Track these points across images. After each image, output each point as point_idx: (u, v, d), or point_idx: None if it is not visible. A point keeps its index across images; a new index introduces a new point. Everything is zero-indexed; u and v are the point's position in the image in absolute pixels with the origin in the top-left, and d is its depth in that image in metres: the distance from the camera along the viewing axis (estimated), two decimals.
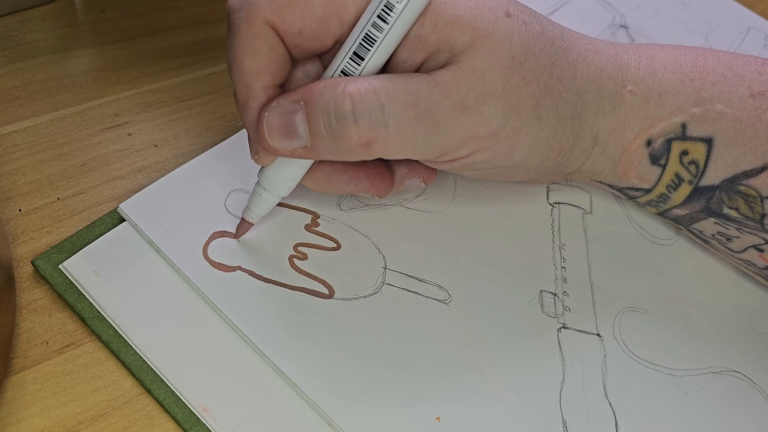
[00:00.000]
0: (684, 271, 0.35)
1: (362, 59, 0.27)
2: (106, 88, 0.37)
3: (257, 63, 0.27)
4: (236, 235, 0.32)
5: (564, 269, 0.34)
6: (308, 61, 0.29)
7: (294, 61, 0.28)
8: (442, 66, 0.27)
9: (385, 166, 0.31)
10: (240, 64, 0.27)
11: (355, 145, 0.26)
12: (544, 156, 0.30)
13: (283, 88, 0.28)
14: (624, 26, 0.47)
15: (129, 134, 0.36)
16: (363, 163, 0.30)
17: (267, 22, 0.26)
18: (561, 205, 0.37)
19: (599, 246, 0.35)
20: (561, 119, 0.29)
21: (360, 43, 0.26)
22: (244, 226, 0.32)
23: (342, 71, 0.27)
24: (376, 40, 0.26)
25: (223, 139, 0.35)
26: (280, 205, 0.33)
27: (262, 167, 0.30)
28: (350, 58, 0.27)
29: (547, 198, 0.37)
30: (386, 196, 0.32)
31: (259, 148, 0.28)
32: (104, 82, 0.38)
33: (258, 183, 0.30)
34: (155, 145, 0.36)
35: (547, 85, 0.28)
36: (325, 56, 0.29)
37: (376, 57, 0.27)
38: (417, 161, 0.31)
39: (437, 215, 0.35)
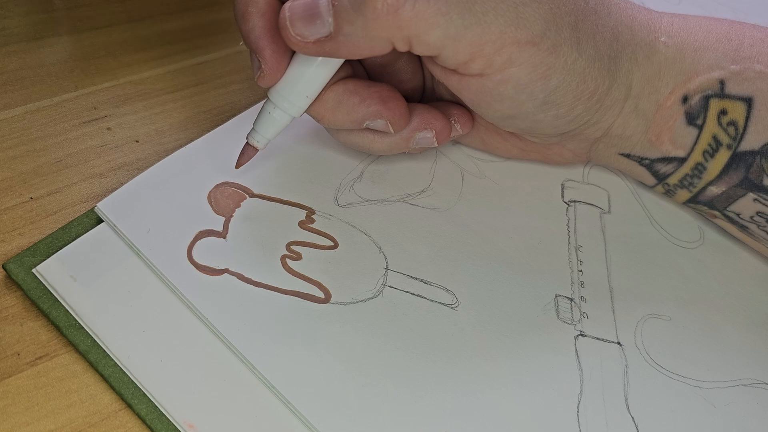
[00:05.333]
0: (710, 275, 0.35)
1: None
2: (84, 79, 0.38)
3: None
4: (237, 164, 0.32)
5: (581, 272, 0.34)
6: None
7: None
8: None
9: (399, 92, 0.31)
10: None
11: (380, 9, 0.26)
12: (577, 93, 0.30)
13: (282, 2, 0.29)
14: None
15: (108, 129, 0.36)
16: (375, 85, 0.31)
17: None
18: (577, 203, 0.37)
19: (619, 248, 0.35)
20: (599, 53, 0.30)
21: None
22: (248, 152, 0.32)
23: None
24: None
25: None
26: (271, 200, 0.33)
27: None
28: None
29: (562, 196, 0.37)
30: (400, 130, 0.32)
31: (269, 57, 0.29)
32: (82, 73, 0.38)
33: (268, 101, 0.31)
34: (136, 141, 0.36)
35: (584, 10, 0.29)
36: None
37: None
38: (430, 109, 0.32)
39: (443, 212, 0.35)
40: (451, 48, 0.28)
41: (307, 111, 0.31)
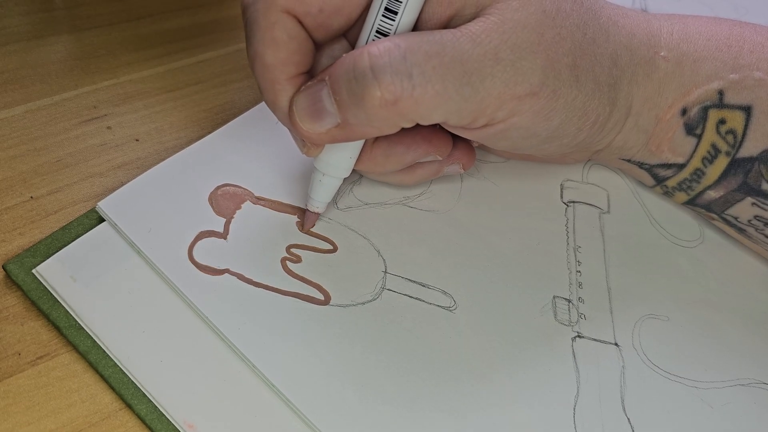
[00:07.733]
0: (709, 274, 0.35)
1: (395, 13, 0.27)
2: (84, 77, 0.37)
3: (279, 55, 0.27)
4: (305, 228, 0.33)
5: (579, 273, 0.34)
6: (334, 43, 0.30)
7: (319, 46, 0.29)
8: (469, 21, 0.27)
9: (440, 126, 0.31)
10: (261, 59, 0.28)
11: (379, 104, 0.26)
12: (579, 125, 0.30)
13: (310, 75, 0.29)
14: (644, 10, 0.47)
15: (108, 128, 0.36)
16: (417, 128, 0.30)
17: (284, 10, 0.27)
18: (576, 204, 0.37)
19: (617, 248, 0.35)
20: (598, 85, 0.30)
21: None
22: (310, 217, 0.32)
23: (377, 31, 0.28)
24: None
25: (209, 132, 0.35)
26: (271, 203, 0.33)
27: None
28: (383, 16, 0.27)
29: (561, 196, 0.37)
30: (446, 155, 0.32)
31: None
32: (82, 72, 0.38)
33: (316, 170, 0.31)
34: (137, 140, 0.36)
35: (582, 44, 0.29)
36: (351, 34, 0.29)
37: (409, 9, 0.27)
38: (457, 147, 0.32)
39: (442, 215, 0.35)
40: (454, 118, 0.28)
41: (357, 168, 0.31)
